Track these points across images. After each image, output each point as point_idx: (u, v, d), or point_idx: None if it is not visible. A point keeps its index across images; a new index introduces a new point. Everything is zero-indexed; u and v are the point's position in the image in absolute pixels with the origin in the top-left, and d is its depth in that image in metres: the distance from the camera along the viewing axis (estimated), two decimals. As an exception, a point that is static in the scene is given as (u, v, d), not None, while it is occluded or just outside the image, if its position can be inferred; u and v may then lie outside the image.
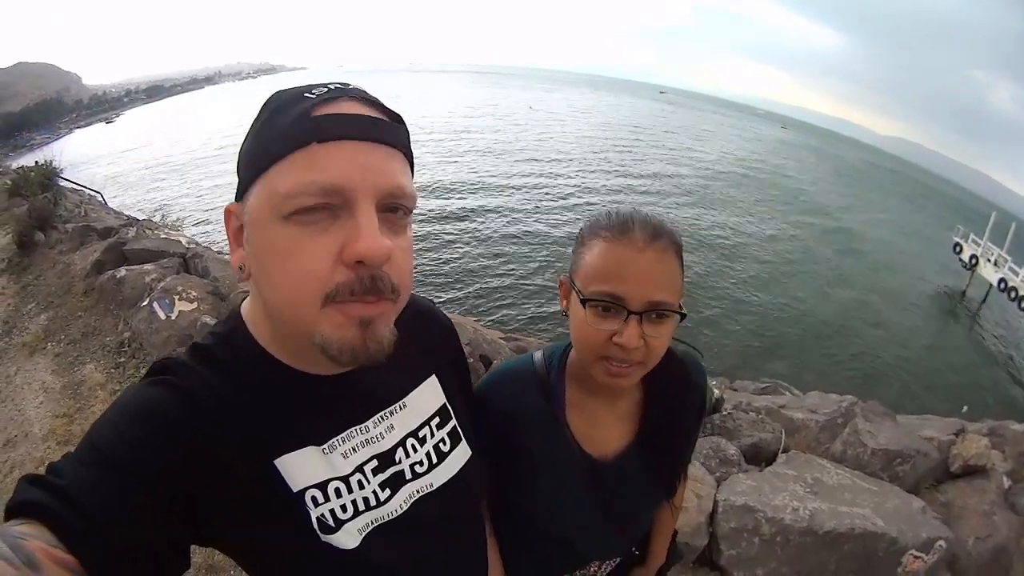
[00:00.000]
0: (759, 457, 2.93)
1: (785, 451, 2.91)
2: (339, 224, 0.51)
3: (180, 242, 6.18)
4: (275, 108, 0.54)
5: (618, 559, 1.07)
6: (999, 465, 2.92)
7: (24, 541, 0.42)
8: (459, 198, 20.10)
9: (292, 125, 0.51)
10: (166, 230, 7.61)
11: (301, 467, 0.59)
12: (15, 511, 0.45)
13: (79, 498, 0.45)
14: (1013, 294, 18.86)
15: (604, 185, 25.33)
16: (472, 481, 0.76)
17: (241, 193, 0.56)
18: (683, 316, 0.78)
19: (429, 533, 0.68)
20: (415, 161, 0.61)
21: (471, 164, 26.44)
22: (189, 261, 5.36)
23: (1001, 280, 19.43)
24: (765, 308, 14.15)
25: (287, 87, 0.57)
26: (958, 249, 22.28)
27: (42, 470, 0.49)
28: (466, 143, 33.15)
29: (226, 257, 5.81)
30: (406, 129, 0.58)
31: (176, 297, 4.21)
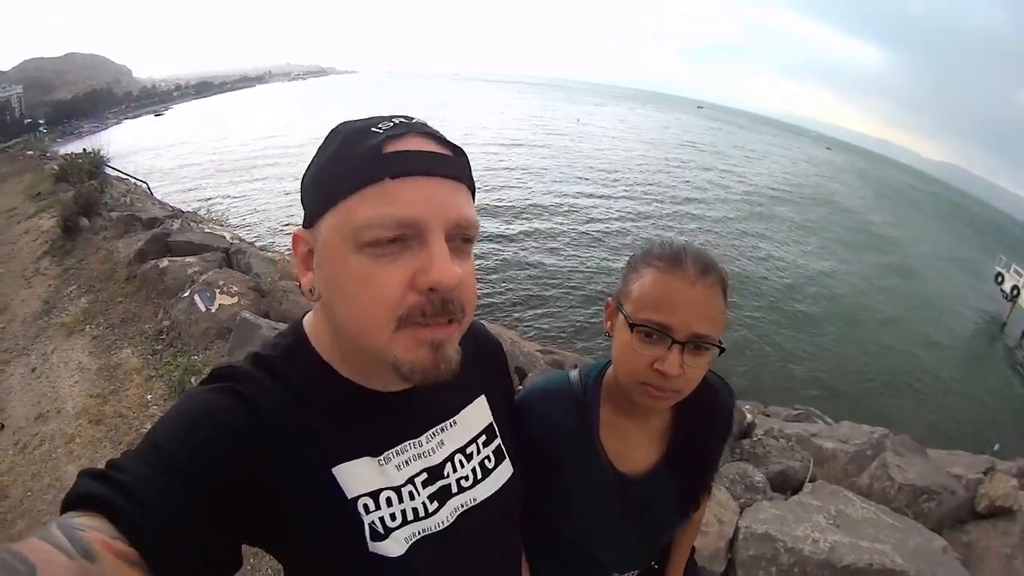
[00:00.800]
0: (785, 485, 2.89)
1: (812, 480, 2.86)
2: (410, 253, 0.54)
3: (224, 237, 6.36)
4: (344, 141, 0.57)
5: (637, 571, 1.09)
6: (1026, 506, 2.81)
7: (83, 532, 0.44)
8: (508, 212, 20.11)
9: (365, 160, 0.54)
10: (211, 224, 7.81)
11: (357, 476, 0.62)
12: (75, 503, 0.47)
13: (142, 494, 0.47)
14: (1054, 327, 18.17)
15: (651, 208, 24.75)
16: (512, 498, 0.79)
17: (311, 220, 0.59)
18: (722, 350, 0.81)
19: (471, 545, 0.71)
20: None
21: (519, 178, 26.27)
22: (232, 256, 5.49)
23: (1044, 311, 18.75)
24: (802, 333, 13.93)
25: (353, 119, 0.60)
26: (1000, 279, 21.56)
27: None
28: (515, 157, 32.95)
29: (268, 254, 5.95)
30: (468, 161, 0.61)
31: (217, 291, 4.33)
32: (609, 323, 0.89)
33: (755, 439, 3.14)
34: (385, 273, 0.54)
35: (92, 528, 0.44)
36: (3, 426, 3.56)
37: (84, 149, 11.12)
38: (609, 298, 0.89)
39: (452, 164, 0.58)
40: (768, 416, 4.33)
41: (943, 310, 19.40)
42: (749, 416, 3.45)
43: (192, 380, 3.78)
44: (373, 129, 0.56)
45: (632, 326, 0.79)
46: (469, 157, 0.62)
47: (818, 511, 2.52)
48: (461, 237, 0.58)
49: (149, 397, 3.71)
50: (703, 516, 1.15)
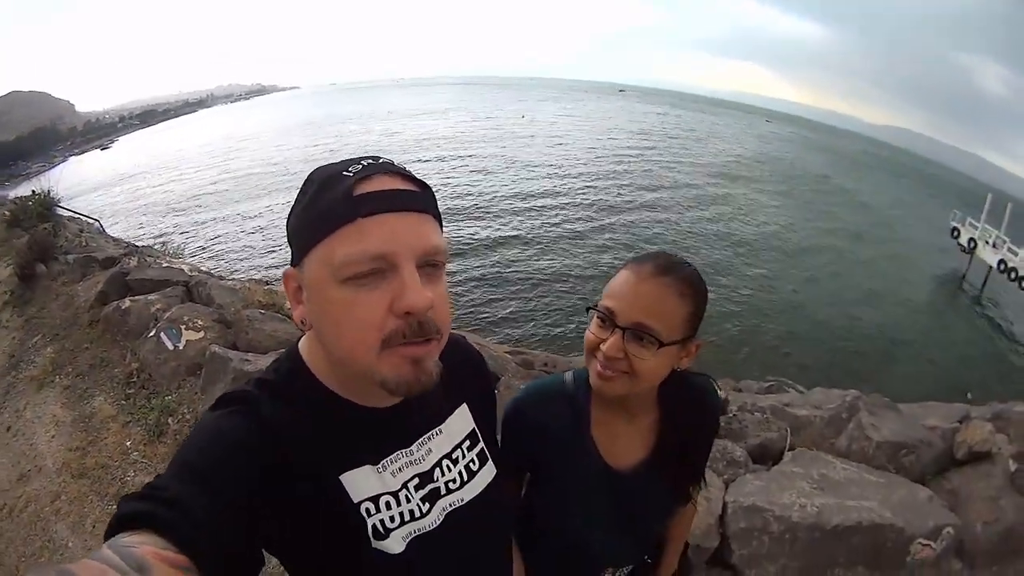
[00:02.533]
0: (766, 456, 2.95)
1: (791, 449, 2.93)
2: (387, 283, 0.60)
3: (183, 270, 6.22)
4: (320, 187, 0.62)
5: (631, 567, 1.13)
6: (1005, 449, 2.91)
7: (133, 548, 0.46)
8: (468, 218, 19.80)
9: (338, 202, 0.60)
10: (167, 258, 7.63)
11: (360, 482, 0.69)
12: (121, 525, 0.50)
13: (185, 506, 0.51)
14: (1013, 274, 18.87)
15: (616, 203, 23.73)
16: (496, 496, 0.86)
17: (297, 260, 0.65)
18: (661, 344, 0.85)
19: (459, 541, 0.78)
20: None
21: (475, 183, 25.35)
22: (192, 289, 5.38)
23: (1000, 261, 19.45)
24: (765, 304, 14.11)
25: (327, 165, 0.66)
26: (956, 233, 22.27)
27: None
28: (470, 162, 31.89)
29: (229, 283, 5.84)
30: (432, 194, 0.68)
31: (183, 327, 4.26)
32: None
33: (730, 415, 3.19)
34: (366, 301, 0.60)
35: (142, 543, 0.47)
36: None
37: (33, 191, 10.72)
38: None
39: (418, 198, 0.64)
40: (740, 391, 4.40)
41: (902, 268, 19.86)
42: (722, 393, 3.51)
43: (169, 421, 3.72)
44: (344, 173, 0.62)
45: (588, 308, 0.90)
46: (427, 167, 0.67)
47: (801, 477, 2.59)
48: (430, 263, 0.64)
49: (129, 444, 3.62)
50: (694, 513, 1.22)
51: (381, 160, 0.65)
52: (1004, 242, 19.60)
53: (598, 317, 0.89)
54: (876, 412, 3.12)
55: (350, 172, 0.62)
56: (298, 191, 0.66)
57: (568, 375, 1.07)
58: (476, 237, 17.30)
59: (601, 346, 0.87)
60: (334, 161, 0.67)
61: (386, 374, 0.62)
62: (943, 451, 2.95)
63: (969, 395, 8.41)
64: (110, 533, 0.50)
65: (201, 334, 4.22)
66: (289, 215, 0.67)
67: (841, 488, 2.54)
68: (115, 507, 0.54)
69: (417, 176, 0.66)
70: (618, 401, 0.96)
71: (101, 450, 3.61)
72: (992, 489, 2.69)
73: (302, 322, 0.67)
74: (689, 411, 1.00)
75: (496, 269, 14.62)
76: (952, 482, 2.83)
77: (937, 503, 2.50)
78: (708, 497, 2.48)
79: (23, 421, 4.14)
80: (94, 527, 3.07)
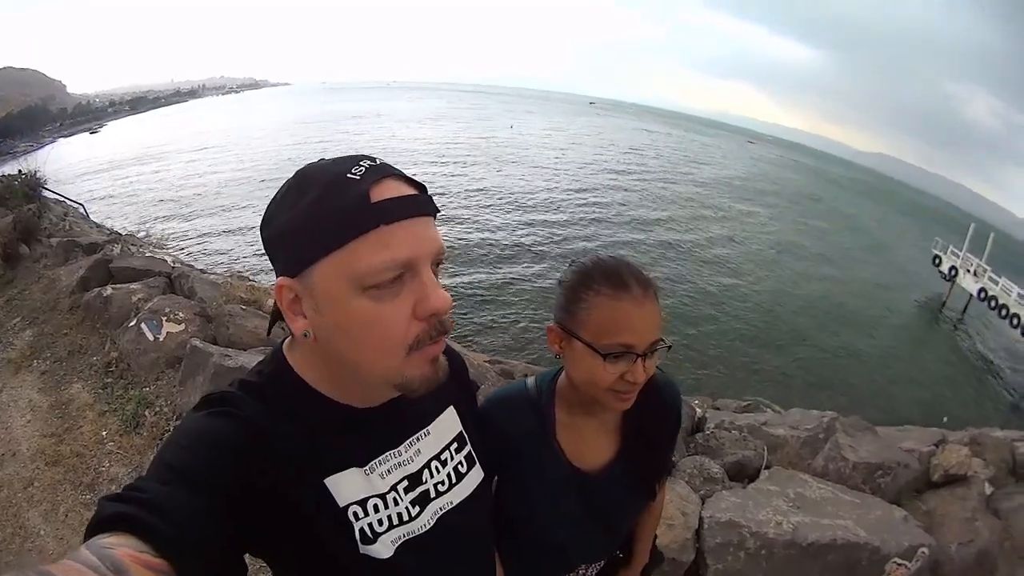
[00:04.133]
0: (742, 474, 2.98)
1: (768, 468, 2.95)
2: (407, 288, 0.61)
3: (166, 261, 6.15)
4: (324, 190, 0.60)
5: (603, 561, 1.16)
6: (980, 472, 2.97)
7: (111, 550, 0.46)
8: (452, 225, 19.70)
9: (354, 209, 0.58)
10: (151, 248, 7.55)
11: (346, 485, 0.68)
12: (99, 527, 0.49)
13: (164, 508, 0.50)
14: (993, 303, 19.19)
15: (612, 218, 23.87)
16: (484, 500, 0.87)
17: (297, 269, 0.62)
18: (669, 348, 0.91)
19: (451, 545, 0.78)
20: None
21: (480, 199, 24.92)
22: (175, 280, 5.33)
23: (981, 290, 19.77)
24: (746, 324, 14.18)
25: (316, 163, 0.65)
26: (937, 261, 22.61)
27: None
28: (454, 168, 31.96)
29: (211, 277, 5.78)
30: (431, 196, 0.67)
31: (164, 318, 4.19)
32: (557, 346, 0.95)
33: (708, 432, 3.22)
34: (390, 312, 0.60)
35: (120, 545, 0.47)
36: None
37: (19, 171, 10.56)
38: (549, 323, 0.96)
39: (424, 202, 0.64)
40: (718, 409, 4.44)
41: (883, 294, 20.14)
42: (699, 411, 3.54)
43: (146, 413, 3.66)
44: (349, 176, 0.60)
45: (603, 355, 0.86)
46: (427, 173, 0.68)
47: (777, 495, 2.62)
48: (437, 263, 0.65)
49: (104, 433, 3.55)
50: (662, 505, 1.24)
51: (379, 162, 0.64)
52: (985, 271, 19.93)
53: (611, 356, 0.86)
54: (853, 434, 3.17)
55: (355, 175, 0.60)
56: (284, 192, 0.63)
57: (530, 381, 1.08)
58: (457, 245, 17.24)
59: (628, 377, 0.86)
60: (323, 159, 0.66)
61: (410, 375, 0.63)
62: (919, 473, 3.00)
63: (945, 419, 8.55)
64: (89, 534, 0.49)
65: (182, 327, 4.16)
66: (271, 219, 0.64)
67: (817, 507, 2.56)
68: (89, 496, 0.54)
69: (412, 177, 0.66)
70: (585, 404, 0.97)
71: (77, 438, 3.54)
72: (967, 511, 2.74)
73: (304, 335, 0.64)
74: (651, 405, 1.01)
75: (476, 279, 14.58)
76: (928, 504, 2.88)
77: (912, 523, 2.53)
78: (685, 512, 2.49)
79: (-2, 404, 4.05)
80: (67, 516, 3.00)
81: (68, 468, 3.31)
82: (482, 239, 18.22)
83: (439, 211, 0.69)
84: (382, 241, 0.58)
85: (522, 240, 18.53)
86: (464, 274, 14.79)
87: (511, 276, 15.11)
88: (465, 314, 12.20)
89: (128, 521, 0.49)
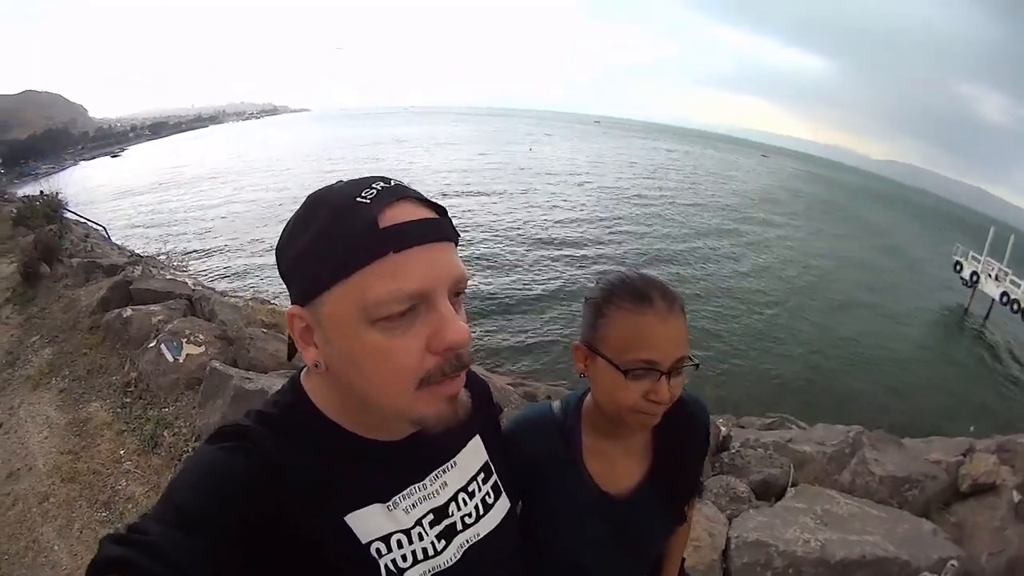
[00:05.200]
0: (769, 492, 2.93)
1: (794, 485, 2.91)
2: (421, 320, 0.57)
3: (186, 283, 6.25)
4: (334, 215, 0.57)
5: None
6: (1009, 480, 2.90)
7: None
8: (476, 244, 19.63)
9: (362, 235, 0.55)
10: (171, 270, 7.66)
11: (368, 522, 0.64)
12: (100, 568, 0.48)
13: (164, 551, 0.48)
14: (1015, 307, 18.75)
15: (657, 238, 23.83)
16: (512, 530, 0.83)
17: (307, 298, 0.59)
18: (697, 366, 0.87)
19: None
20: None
21: (507, 226, 24.41)
22: (195, 303, 5.39)
23: (1003, 294, 19.32)
24: (767, 340, 13.99)
25: (330, 186, 0.61)
26: (958, 268, 22.20)
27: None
28: (477, 189, 32.11)
29: (232, 300, 5.84)
30: (450, 218, 0.63)
31: (184, 340, 4.24)
32: (582, 365, 0.93)
33: (733, 451, 3.19)
34: (402, 346, 0.56)
35: None
36: None
37: (41, 192, 10.84)
38: (575, 342, 0.93)
39: (441, 227, 0.60)
40: (743, 427, 4.39)
41: (905, 302, 19.80)
42: (724, 429, 3.51)
43: (164, 433, 3.68)
44: (359, 199, 0.57)
45: (625, 372, 0.83)
46: (452, 209, 0.64)
47: (804, 513, 2.57)
48: (456, 292, 0.61)
49: (122, 452, 3.58)
50: (691, 528, 1.20)
51: (394, 183, 0.60)
52: (1007, 274, 19.51)
53: (633, 374, 0.84)
54: (879, 447, 3.11)
55: (366, 198, 0.57)
56: (296, 217, 0.60)
57: (556, 404, 1.05)
58: (479, 264, 17.28)
59: (651, 396, 0.83)
60: (338, 182, 0.62)
61: (423, 413, 0.59)
62: (947, 484, 2.94)
63: (972, 428, 8.33)
64: (91, 574, 0.48)
65: (202, 349, 4.19)
66: (284, 245, 0.61)
67: (845, 523, 2.51)
68: (105, 514, 0.52)
69: (431, 199, 0.62)
70: (611, 425, 0.94)
71: (94, 456, 3.57)
72: (997, 520, 2.67)
73: (316, 365, 0.61)
74: (680, 427, 0.98)
75: (500, 299, 14.51)
76: (957, 515, 2.82)
77: (941, 536, 2.48)
78: (712, 532, 2.45)
79: (16, 419, 4.10)
80: (81, 532, 3.02)
81: (84, 485, 3.33)
82: (509, 270, 17.99)
83: (460, 236, 0.64)
84: (391, 270, 0.54)
85: (552, 265, 18.45)
86: (486, 293, 14.78)
87: (537, 293, 15.12)
88: (487, 335, 12.07)
89: (125, 564, 0.47)
